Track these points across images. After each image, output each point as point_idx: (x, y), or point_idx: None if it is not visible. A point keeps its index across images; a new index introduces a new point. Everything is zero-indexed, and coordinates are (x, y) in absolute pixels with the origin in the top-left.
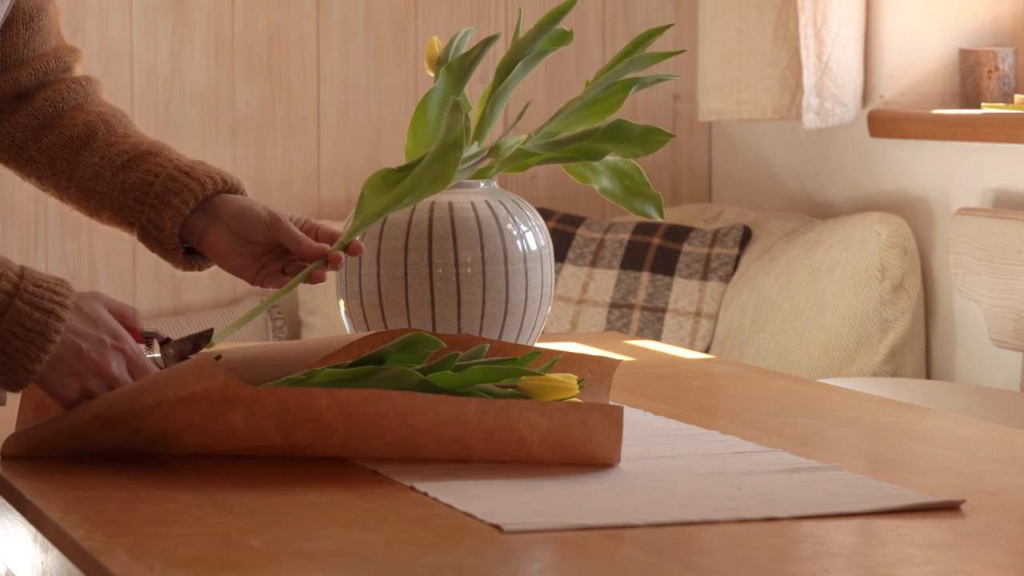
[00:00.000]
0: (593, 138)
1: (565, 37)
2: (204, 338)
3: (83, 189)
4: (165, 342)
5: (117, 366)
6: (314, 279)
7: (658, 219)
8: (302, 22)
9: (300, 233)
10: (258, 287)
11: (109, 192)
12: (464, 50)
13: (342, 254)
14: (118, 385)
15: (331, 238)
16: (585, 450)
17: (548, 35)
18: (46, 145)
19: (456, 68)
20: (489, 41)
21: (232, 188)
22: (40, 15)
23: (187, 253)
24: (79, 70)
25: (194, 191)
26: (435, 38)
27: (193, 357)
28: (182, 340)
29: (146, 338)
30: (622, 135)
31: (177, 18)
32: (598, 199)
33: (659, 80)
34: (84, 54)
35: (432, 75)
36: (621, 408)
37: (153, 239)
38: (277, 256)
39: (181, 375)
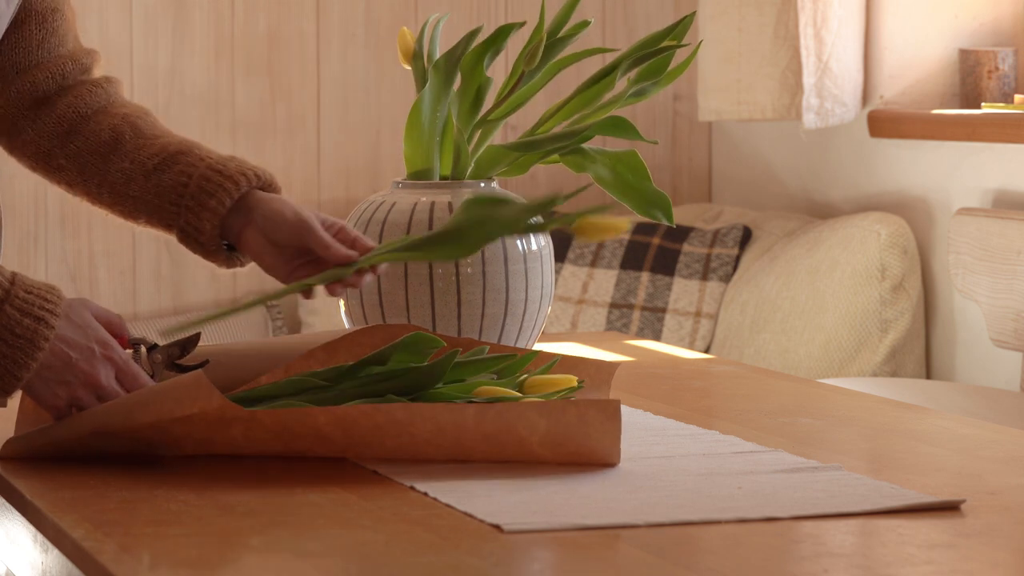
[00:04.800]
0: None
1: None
2: (191, 343)
3: (116, 194)
4: (152, 348)
5: (106, 376)
6: (328, 290)
7: (666, 223)
8: (302, 22)
9: (330, 239)
10: (259, 289)
11: (143, 196)
12: (439, 39)
13: (367, 274)
14: (107, 395)
15: (366, 250)
16: (585, 447)
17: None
18: (73, 152)
19: (443, 66)
20: (473, 35)
21: (266, 184)
22: (54, 16)
23: (228, 250)
24: (97, 72)
25: (228, 190)
26: (405, 28)
27: (186, 375)
28: (169, 345)
29: (133, 345)
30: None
31: (177, 18)
32: (599, 198)
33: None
34: (101, 55)
35: (408, 68)
36: (618, 402)
37: (194, 241)
38: (311, 260)
39: (176, 396)
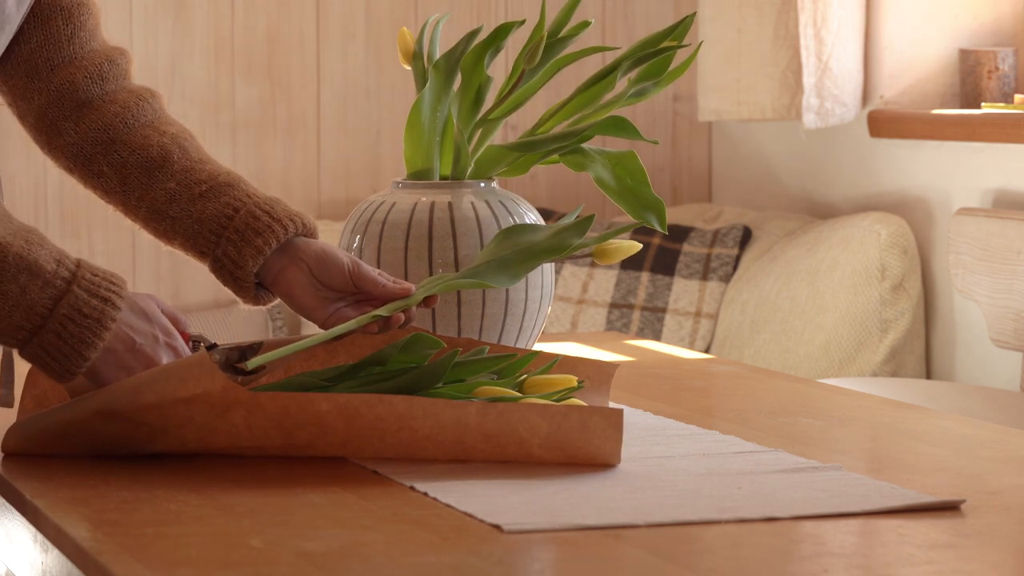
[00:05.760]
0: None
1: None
2: (252, 349)
3: (154, 211)
4: (212, 347)
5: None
6: (392, 321)
7: (658, 228)
8: (302, 22)
9: (380, 277)
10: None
11: (183, 219)
12: (439, 39)
13: (424, 306)
14: None
15: (404, 291)
16: (585, 452)
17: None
18: (116, 161)
19: (443, 66)
20: (473, 35)
21: (309, 231)
22: (80, 11)
23: (257, 287)
24: (133, 72)
25: (276, 232)
26: (405, 29)
27: (190, 356)
28: (230, 348)
29: (193, 342)
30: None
31: (177, 18)
32: (598, 199)
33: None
34: (132, 55)
35: (408, 68)
36: (621, 411)
37: (228, 274)
38: (350, 303)
39: (180, 376)
